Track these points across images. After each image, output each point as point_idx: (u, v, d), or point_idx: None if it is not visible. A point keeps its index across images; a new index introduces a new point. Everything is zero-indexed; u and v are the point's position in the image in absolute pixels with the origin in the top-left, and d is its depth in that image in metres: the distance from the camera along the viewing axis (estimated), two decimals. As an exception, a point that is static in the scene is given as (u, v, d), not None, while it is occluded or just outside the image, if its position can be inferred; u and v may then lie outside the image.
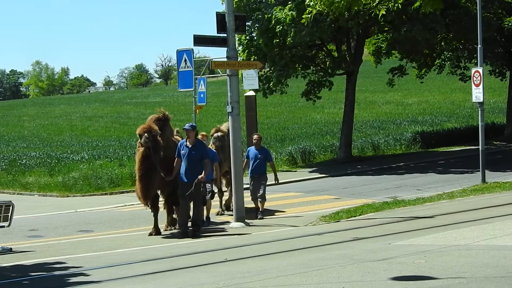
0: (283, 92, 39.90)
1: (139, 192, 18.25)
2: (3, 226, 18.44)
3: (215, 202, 22.76)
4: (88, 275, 13.96)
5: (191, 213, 18.93)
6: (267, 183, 22.84)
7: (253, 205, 22.37)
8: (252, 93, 34.50)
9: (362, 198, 24.45)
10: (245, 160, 21.93)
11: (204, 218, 20.58)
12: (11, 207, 18.61)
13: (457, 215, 19.17)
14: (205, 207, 20.23)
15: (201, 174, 17.74)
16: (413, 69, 44.12)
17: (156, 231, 19.05)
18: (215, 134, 21.33)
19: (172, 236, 18.52)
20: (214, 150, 20.78)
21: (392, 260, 13.32)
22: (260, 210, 21.75)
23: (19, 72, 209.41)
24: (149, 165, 17.84)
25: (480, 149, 26.70)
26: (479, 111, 27.07)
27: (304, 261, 14.25)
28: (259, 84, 35.04)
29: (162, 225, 19.72)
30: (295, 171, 37.24)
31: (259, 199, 21.74)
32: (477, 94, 26.10)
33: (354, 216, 20.48)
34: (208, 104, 31.12)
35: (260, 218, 21.39)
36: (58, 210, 23.30)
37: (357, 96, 41.93)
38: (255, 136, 22.27)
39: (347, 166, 37.40)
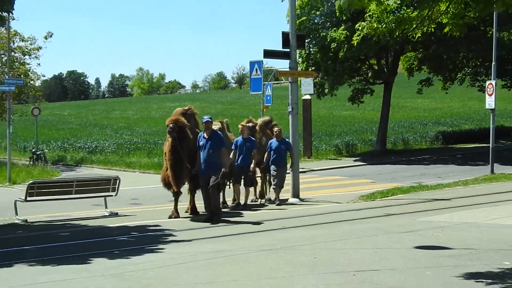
0: (333, 95, 39.85)
1: (172, 180, 16.37)
2: (112, 195, 18.74)
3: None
4: (176, 236, 14.16)
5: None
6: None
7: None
8: (308, 97, 34.54)
9: (393, 182, 24.26)
10: (266, 153, 19.72)
11: (242, 202, 18.93)
12: (118, 181, 18.91)
13: (469, 198, 18.98)
14: (244, 193, 18.88)
15: (218, 163, 15.72)
16: (439, 81, 43.65)
17: (176, 214, 16.97)
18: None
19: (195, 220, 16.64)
20: (254, 139, 19.03)
21: (416, 233, 13.30)
22: (275, 197, 19.64)
23: (126, 76, 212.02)
24: (178, 156, 16.01)
25: (490, 146, 26.57)
26: (491, 116, 26.83)
27: (345, 230, 14.30)
28: (315, 89, 35.25)
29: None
30: (340, 159, 37.03)
31: (277, 187, 19.52)
32: (490, 102, 25.89)
33: (386, 197, 20.36)
34: (272, 105, 31.12)
35: (278, 205, 19.24)
36: (154, 184, 23.38)
37: (392, 101, 41.58)
38: (276, 130, 19.90)
39: (382, 156, 37.13)
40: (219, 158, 15.65)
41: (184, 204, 17.69)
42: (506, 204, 17.49)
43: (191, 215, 17.07)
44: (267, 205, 19.33)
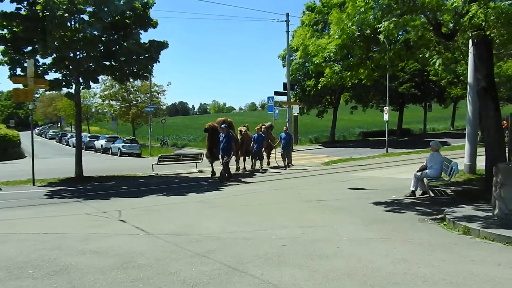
0: (308, 114, 40.01)
1: (207, 155, 15.75)
2: (199, 162, 18.78)
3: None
4: (230, 182, 14.08)
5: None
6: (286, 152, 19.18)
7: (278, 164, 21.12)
8: (296, 114, 34.35)
9: (338, 157, 24.04)
10: (279, 140, 19.05)
11: (260, 168, 17.77)
12: (203, 155, 18.81)
13: (375, 164, 18.76)
14: (258, 162, 17.96)
15: (228, 152, 14.45)
16: (361, 107, 43.27)
17: (212, 174, 15.71)
18: (262, 127, 18.26)
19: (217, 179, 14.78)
20: (263, 135, 17.77)
21: (349, 181, 13.13)
22: (286, 164, 18.56)
23: (207, 103, 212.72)
24: (210, 145, 15.36)
25: (386, 139, 26.35)
26: (386, 124, 26.60)
27: (314, 180, 14.16)
28: (299, 110, 35.17)
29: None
30: (311, 145, 36.96)
31: (287, 160, 18.74)
32: (386, 117, 25.68)
33: (334, 163, 20.15)
34: (278, 118, 31.04)
35: (288, 167, 18.37)
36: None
37: (337, 116, 41.29)
38: (284, 128, 19.47)
39: (332, 144, 36.95)
40: (228, 148, 14.57)
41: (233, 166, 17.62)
42: (394, 167, 17.22)
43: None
44: (268, 169, 18.41)
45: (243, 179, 14.77)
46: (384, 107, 26.71)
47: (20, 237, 6.68)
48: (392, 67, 11.62)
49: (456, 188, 10.95)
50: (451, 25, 8.76)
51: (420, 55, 9.93)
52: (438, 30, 9.20)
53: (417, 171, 10.28)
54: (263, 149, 18.17)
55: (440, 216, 7.86)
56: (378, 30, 8.42)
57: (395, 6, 8.43)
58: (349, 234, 6.68)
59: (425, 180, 10.19)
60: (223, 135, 14.60)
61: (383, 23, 8.17)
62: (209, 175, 16.04)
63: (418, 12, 8.44)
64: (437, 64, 8.91)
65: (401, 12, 8.54)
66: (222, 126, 14.87)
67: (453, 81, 36.49)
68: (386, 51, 10.60)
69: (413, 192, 10.12)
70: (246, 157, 18.21)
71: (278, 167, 18.98)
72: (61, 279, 4.79)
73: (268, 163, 19.42)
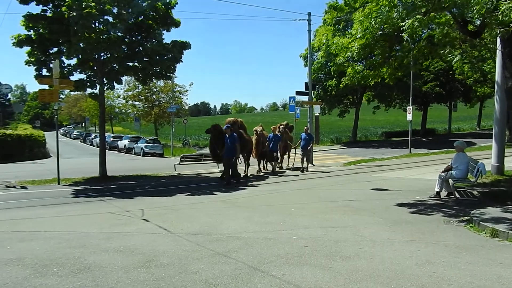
0: (330, 113, 39.74)
1: (212, 156, 15.37)
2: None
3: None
4: (251, 183, 14.02)
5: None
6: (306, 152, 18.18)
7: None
8: (317, 114, 34.14)
9: (360, 157, 23.79)
10: (299, 140, 18.21)
11: (272, 170, 17.09)
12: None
13: (398, 165, 18.49)
14: (273, 164, 17.21)
15: (233, 153, 13.73)
16: (383, 106, 42.75)
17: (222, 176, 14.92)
18: (280, 127, 17.52)
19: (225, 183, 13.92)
20: (279, 135, 17.12)
21: (371, 182, 12.98)
22: (305, 166, 17.65)
23: (228, 103, 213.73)
24: (213, 145, 14.60)
25: (409, 139, 26.01)
26: (409, 124, 26.30)
27: (336, 180, 14.05)
28: (320, 110, 34.97)
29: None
30: (333, 145, 36.66)
31: (306, 160, 17.83)
32: (409, 117, 25.37)
33: (356, 164, 19.94)
34: (300, 118, 30.98)
35: (306, 171, 17.34)
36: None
37: (359, 116, 40.86)
38: (305, 128, 18.68)
39: (354, 144, 36.61)
40: (233, 149, 13.90)
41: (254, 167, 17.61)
42: (418, 167, 16.96)
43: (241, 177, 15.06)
44: (286, 171, 18.06)
45: (262, 181, 14.74)
46: (408, 107, 26.38)
47: (45, 235, 6.84)
48: (415, 65, 11.49)
49: (483, 189, 10.67)
50: (478, 22, 8.56)
51: (441, 51, 9.79)
52: (464, 27, 9.00)
53: (442, 172, 10.07)
54: (279, 150, 17.40)
55: (466, 217, 7.68)
56: (401, 29, 8.30)
57: (419, 4, 8.28)
58: (371, 235, 6.58)
59: (450, 181, 9.97)
60: (227, 136, 14.00)
61: (406, 21, 8.04)
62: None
63: (445, 8, 8.28)
64: (454, 60, 8.76)
65: (426, 9, 8.38)
66: (225, 127, 14.24)
67: (480, 79, 35.73)
68: (409, 50, 10.47)
69: (438, 193, 9.92)
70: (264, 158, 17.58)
71: (296, 168, 18.52)
72: (85, 277, 4.88)
73: (280, 164, 18.54)
